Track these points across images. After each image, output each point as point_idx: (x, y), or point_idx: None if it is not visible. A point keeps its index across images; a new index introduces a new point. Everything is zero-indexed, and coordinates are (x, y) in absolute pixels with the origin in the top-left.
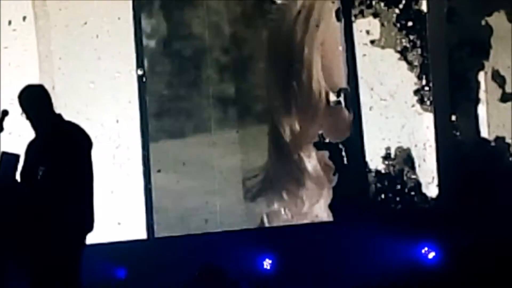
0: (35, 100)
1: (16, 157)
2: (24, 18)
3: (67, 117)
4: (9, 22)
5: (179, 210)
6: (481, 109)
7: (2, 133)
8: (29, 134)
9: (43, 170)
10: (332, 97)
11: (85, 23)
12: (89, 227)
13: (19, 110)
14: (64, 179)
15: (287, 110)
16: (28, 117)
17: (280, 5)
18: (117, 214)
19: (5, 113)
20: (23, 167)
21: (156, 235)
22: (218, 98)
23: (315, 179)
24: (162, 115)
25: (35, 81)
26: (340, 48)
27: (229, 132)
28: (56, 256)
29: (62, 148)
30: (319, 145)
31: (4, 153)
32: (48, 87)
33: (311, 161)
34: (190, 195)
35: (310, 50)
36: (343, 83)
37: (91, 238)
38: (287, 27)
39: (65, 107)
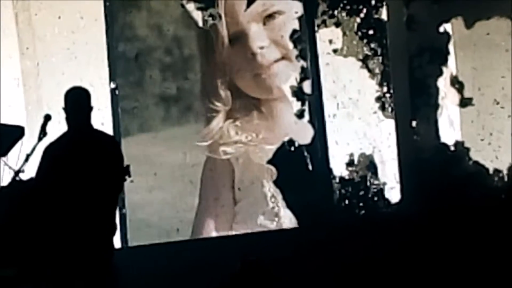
0: (76, 102)
1: None
2: None
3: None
4: None
5: None
6: (454, 112)
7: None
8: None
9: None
10: (297, 105)
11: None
12: (111, 233)
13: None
14: (90, 184)
15: None
16: (66, 117)
17: None
18: None
19: (48, 117)
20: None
21: None
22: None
23: None
24: None
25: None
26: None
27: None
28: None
29: (94, 155)
30: (285, 152)
31: None
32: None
33: None
34: None
35: None
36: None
37: None
38: None
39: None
